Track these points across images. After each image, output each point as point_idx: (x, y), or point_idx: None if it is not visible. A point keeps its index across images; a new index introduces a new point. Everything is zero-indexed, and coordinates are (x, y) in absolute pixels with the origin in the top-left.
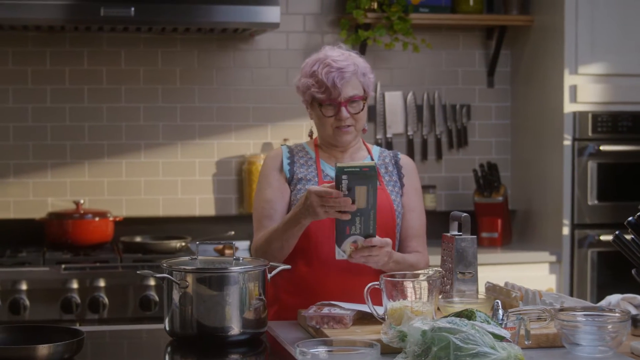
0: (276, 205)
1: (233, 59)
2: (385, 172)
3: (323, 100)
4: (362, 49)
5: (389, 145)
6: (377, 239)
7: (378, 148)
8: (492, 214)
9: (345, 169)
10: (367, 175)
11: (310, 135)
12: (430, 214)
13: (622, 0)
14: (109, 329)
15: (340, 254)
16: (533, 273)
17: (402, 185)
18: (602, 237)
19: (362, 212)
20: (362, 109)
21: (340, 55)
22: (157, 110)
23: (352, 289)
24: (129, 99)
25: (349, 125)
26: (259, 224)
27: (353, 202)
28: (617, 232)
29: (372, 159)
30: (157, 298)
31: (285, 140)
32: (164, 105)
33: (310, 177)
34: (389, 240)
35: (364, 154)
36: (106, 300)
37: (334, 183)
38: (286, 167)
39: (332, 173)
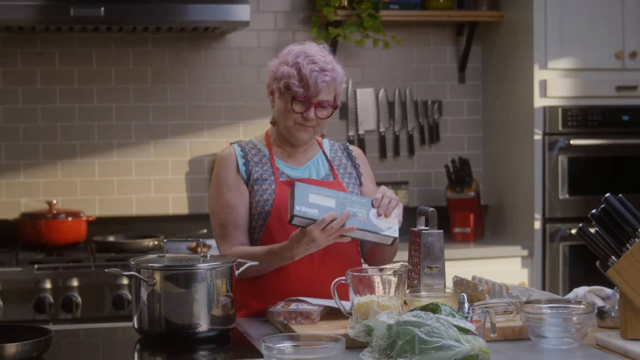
0: (239, 210)
1: (204, 57)
2: (339, 164)
3: (299, 94)
4: (332, 47)
5: (360, 142)
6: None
7: (327, 140)
8: (464, 209)
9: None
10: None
11: (273, 122)
12: (403, 210)
13: None
14: (82, 327)
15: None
16: (505, 267)
17: (358, 175)
18: (573, 231)
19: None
20: (329, 116)
21: (325, 57)
22: (129, 109)
23: (318, 292)
24: (101, 98)
25: (310, 126)
26: (223, 230)
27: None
28: (580, 225)
29: (325, 153)
30: (130, 297)
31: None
32: (136, 104)
33: (267, 176)
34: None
35: (316, 148)
36: (79, 299)
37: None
38: (242, 168)
39: (288, 171)
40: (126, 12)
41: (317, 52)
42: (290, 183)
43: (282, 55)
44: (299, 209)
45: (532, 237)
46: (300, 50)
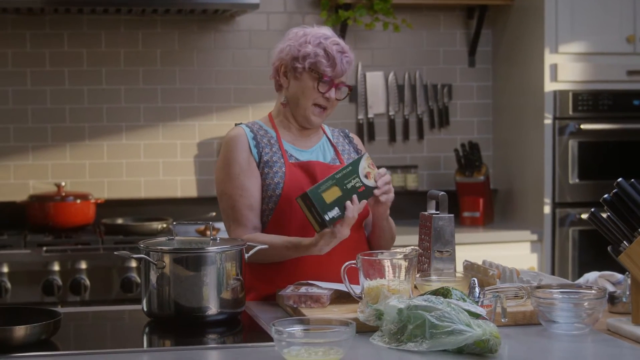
0: (253, 192)
1: (214, 40)
2: (343, 149)
3: (326, 73)
4: (342, 29)
5: (370, 125)
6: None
7: (326, 126)
8: (473, 194)
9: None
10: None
11: (285, 104)
12: (412, 194)
13: None
14: (90, 310)
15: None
16: (515, 252)
17: None
18: (583, 216)
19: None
20: (344, 98)
21: (339, 38)
22: (138, 92)
23: (328, 276)
24: (110, 81)
25: (326, 108)
26: (236, 213)
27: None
28: (592, 210)
29: (329, 138)
30: (138, 280)
31: None
32: (145, 87)
33: (276, 158)
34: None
35: (320, 132)
36: (87, 282)
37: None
38: (254, 150)
39: (296, 154)
40: None
41: (332, 34)
42: (300, 165)
43: (296, 37)
44: (327, 217)
45: (542, 222)
46: (316, 32)
